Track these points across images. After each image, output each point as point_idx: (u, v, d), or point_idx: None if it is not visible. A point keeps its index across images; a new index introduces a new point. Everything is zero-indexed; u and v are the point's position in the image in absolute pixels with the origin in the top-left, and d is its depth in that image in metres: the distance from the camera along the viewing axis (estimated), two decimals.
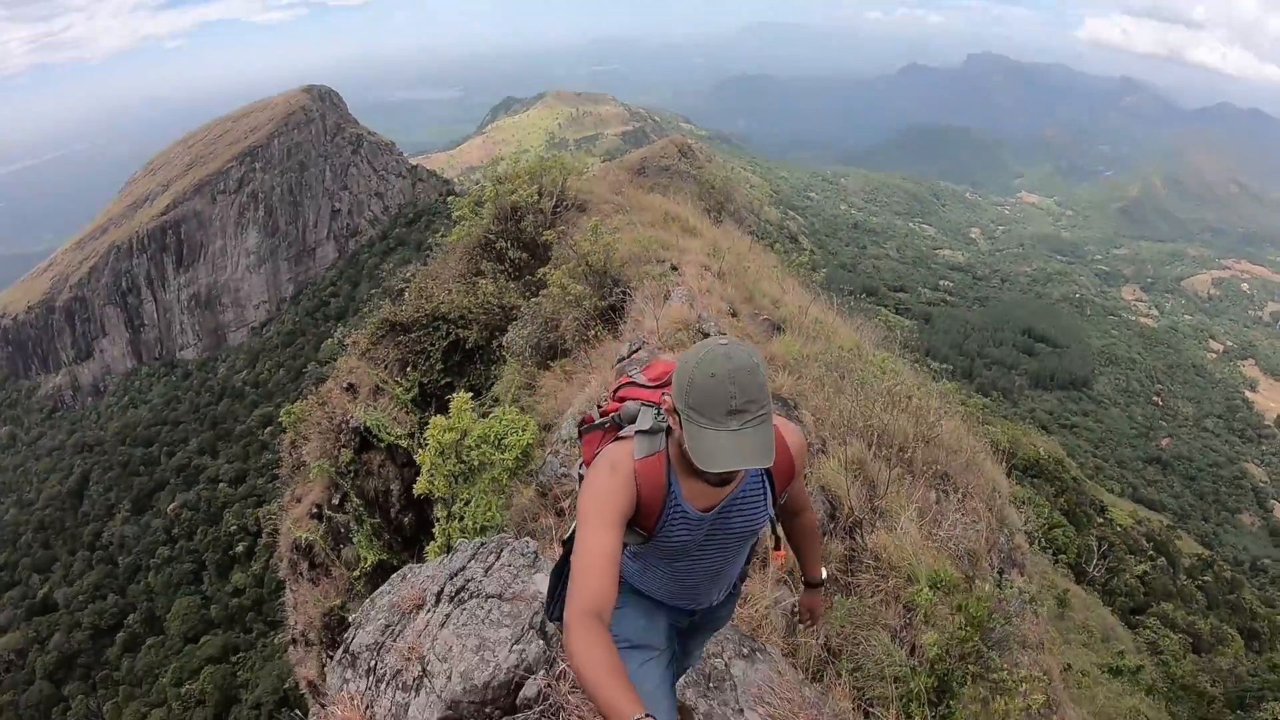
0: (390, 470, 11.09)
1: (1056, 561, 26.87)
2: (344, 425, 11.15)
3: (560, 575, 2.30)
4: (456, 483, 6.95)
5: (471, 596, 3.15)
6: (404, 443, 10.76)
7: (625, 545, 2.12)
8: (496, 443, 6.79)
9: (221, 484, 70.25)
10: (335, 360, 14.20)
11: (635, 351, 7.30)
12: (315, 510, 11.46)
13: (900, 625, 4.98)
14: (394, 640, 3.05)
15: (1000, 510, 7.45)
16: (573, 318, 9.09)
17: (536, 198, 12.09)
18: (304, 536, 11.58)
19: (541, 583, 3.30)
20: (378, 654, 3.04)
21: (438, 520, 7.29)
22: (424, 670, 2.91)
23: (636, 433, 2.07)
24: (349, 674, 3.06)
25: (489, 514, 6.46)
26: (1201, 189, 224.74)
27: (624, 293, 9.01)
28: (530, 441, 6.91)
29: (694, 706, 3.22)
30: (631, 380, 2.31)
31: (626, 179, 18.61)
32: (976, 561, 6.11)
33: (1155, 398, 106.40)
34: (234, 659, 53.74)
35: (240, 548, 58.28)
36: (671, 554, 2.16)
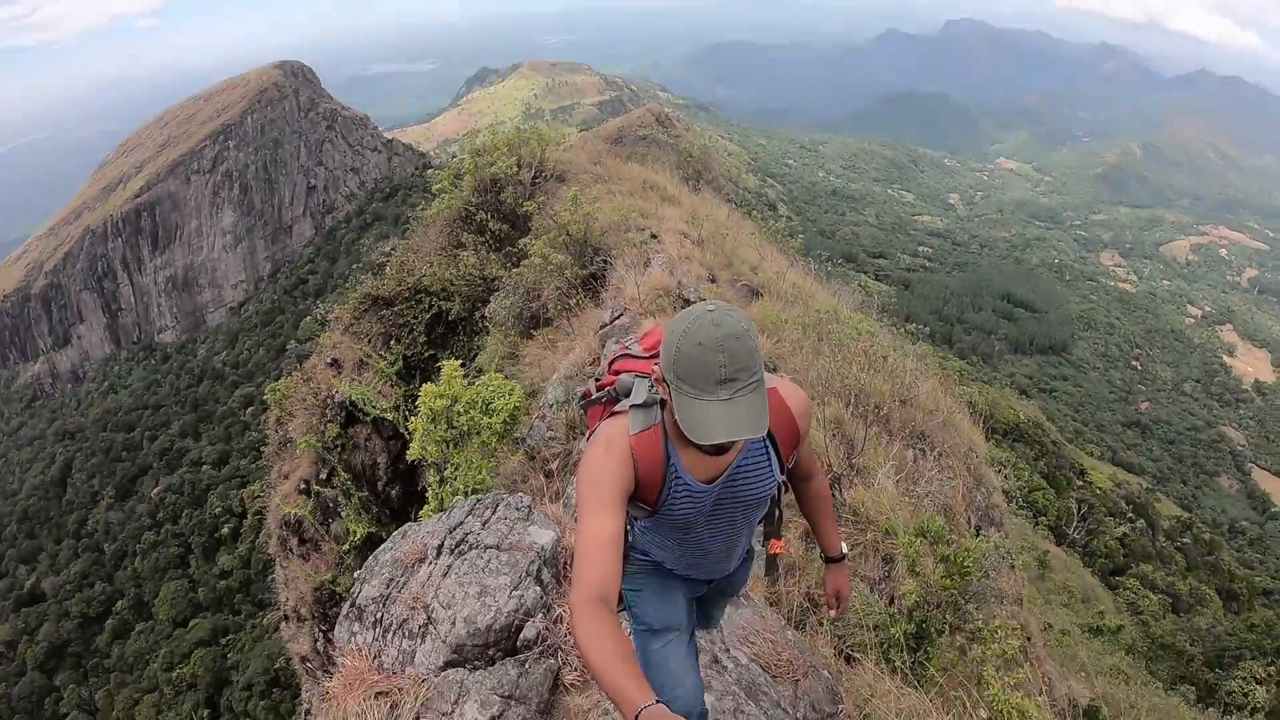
0: (377, 443, 11.15)
1: (1037, 524, 27.24)
2: (329, 400, 11.17)
3: None
4: (448, 448, 7.07)
5: (471, 548, 3.27)
6: (389, 416, 10.84)
7: (635, 519, 2.14)
8: (484, 407, 6.90)
9: (205, 466, 69.82)
10: (316, 338, 14.17)
11: (617, 318, 7.42)
12: (303, 486, 11.47)
13: (879, 577, 5.14)
14: (399, 592, 3.17)
15: (977, 469, 7.59)
16: (554, 287, 9.17)
17: (515, 169, 12.09)
18: (293, 512, 11.59)
19: (536, 534, 3.42)
20: (383, 606, 3.15)
21: (430, 485, 7.42)
22: (429, 618, 3.04)
23: (631, 407, 2.02)
24: (356, 626, 3.18)
25: (479, 477, 6.59)
26: (1180, 155, 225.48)
27: (605, 261, 9.08)
28: (517, 405, 7.03)
29: None
30: (627, 351, 2.27)
31: (605, 149, 18.54)
32: (953, 517, 6.21)
33: (1134, 362, 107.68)
34: (224, 641, 53.87)
35: (226, 529, 57.90)
36: (679, 526, 2.12)
